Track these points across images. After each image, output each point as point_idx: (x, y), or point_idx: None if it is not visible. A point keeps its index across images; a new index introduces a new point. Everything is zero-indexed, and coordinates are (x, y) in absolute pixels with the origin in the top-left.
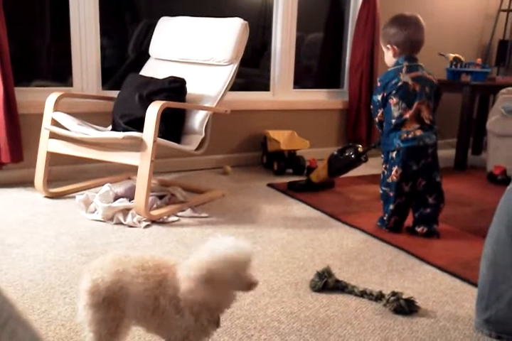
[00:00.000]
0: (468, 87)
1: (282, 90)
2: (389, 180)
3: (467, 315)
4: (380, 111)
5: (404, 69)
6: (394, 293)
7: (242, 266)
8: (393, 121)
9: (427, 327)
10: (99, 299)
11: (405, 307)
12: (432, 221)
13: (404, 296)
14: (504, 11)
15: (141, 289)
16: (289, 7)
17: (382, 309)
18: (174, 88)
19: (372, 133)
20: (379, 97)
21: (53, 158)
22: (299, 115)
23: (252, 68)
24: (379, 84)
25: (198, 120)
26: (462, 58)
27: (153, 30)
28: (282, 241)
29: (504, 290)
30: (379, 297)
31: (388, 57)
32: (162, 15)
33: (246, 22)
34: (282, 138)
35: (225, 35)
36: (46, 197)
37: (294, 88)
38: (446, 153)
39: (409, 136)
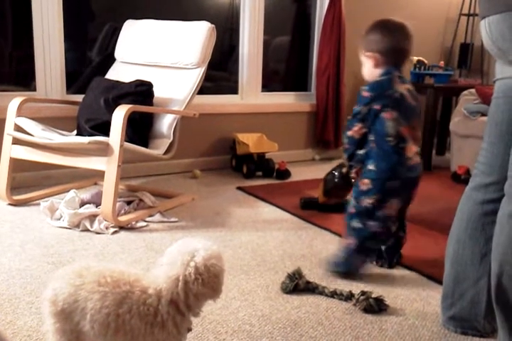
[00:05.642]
0: (431, 89)
1: (250, 93)
2: (381, 213)
3: (434, 312)
4: (358, 126)
5: (397, 80)
6: (363, 293)
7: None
8: (390, 139)
9: (396, 325)
10: (57, 309)
11: (375, 306)
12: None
13: (373, 295)
14: (464, 15)
15: (98, 306)
16: (255, 10)
17: (353, 308)
18: (141, 91)
19: (340, 136)
20: (364, 109)
21: (17, 165)
22: (268, 118)
23: (220, 71)
24: (367, 94)
25: (165, 124)
26: (425, 61)
27: (119, 33)
28: (253, 244)
29: (466, 289)
30: (349, 297)
31: (367, 68)
32: (127, 19)
33: (213, 25)
34: (251, 141)
35: (192, 38)
36: (10, 204)
37: (262, 91)
38: None
39: (413, 163)
